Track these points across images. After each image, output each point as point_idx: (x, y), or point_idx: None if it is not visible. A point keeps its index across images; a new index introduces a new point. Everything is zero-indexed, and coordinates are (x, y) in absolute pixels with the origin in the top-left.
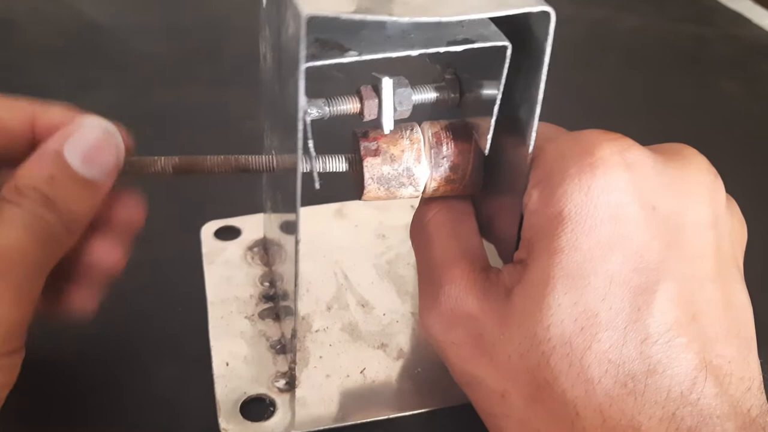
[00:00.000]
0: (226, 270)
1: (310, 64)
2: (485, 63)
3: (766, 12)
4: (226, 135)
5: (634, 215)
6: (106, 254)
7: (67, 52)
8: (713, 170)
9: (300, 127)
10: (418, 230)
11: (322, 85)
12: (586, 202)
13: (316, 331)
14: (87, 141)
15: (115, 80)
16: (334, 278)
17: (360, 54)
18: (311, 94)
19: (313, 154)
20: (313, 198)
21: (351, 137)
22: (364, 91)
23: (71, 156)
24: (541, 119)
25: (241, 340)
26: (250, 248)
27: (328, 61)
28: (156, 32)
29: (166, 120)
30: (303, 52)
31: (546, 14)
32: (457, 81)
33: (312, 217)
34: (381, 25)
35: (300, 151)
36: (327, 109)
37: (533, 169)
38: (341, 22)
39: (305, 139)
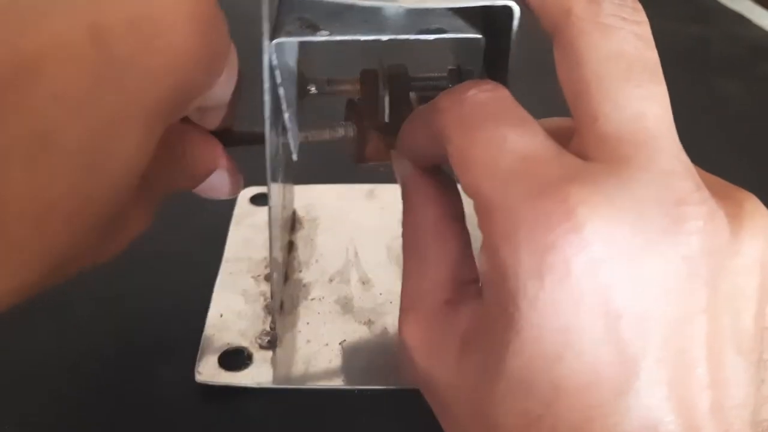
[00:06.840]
0: (250, 233)
1: (279, 40)
2: (477, 55)
3: (766, 12)
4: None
5: None
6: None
7: None
8: None
9: (266, 98)
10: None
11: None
12: None
13: (312, 299)
14: None
15: None
16: (344, 253)
17: (331, 34)
18: (319, 71)
19: (288, 125)
20: (349, 177)
21: (346, 105)
22: (364, 75)
23: None
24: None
25: (241, 296)
26: None
27: (297, 38)
28: None
29: None
30: (266, 26)
31: (508, 9)
32: (458, 72)
33: (342, 196)
34: (363, 10)
35: (268, 125)
36: (328, 87)
37: None
38: (323, 4)
39: (276, 112)
